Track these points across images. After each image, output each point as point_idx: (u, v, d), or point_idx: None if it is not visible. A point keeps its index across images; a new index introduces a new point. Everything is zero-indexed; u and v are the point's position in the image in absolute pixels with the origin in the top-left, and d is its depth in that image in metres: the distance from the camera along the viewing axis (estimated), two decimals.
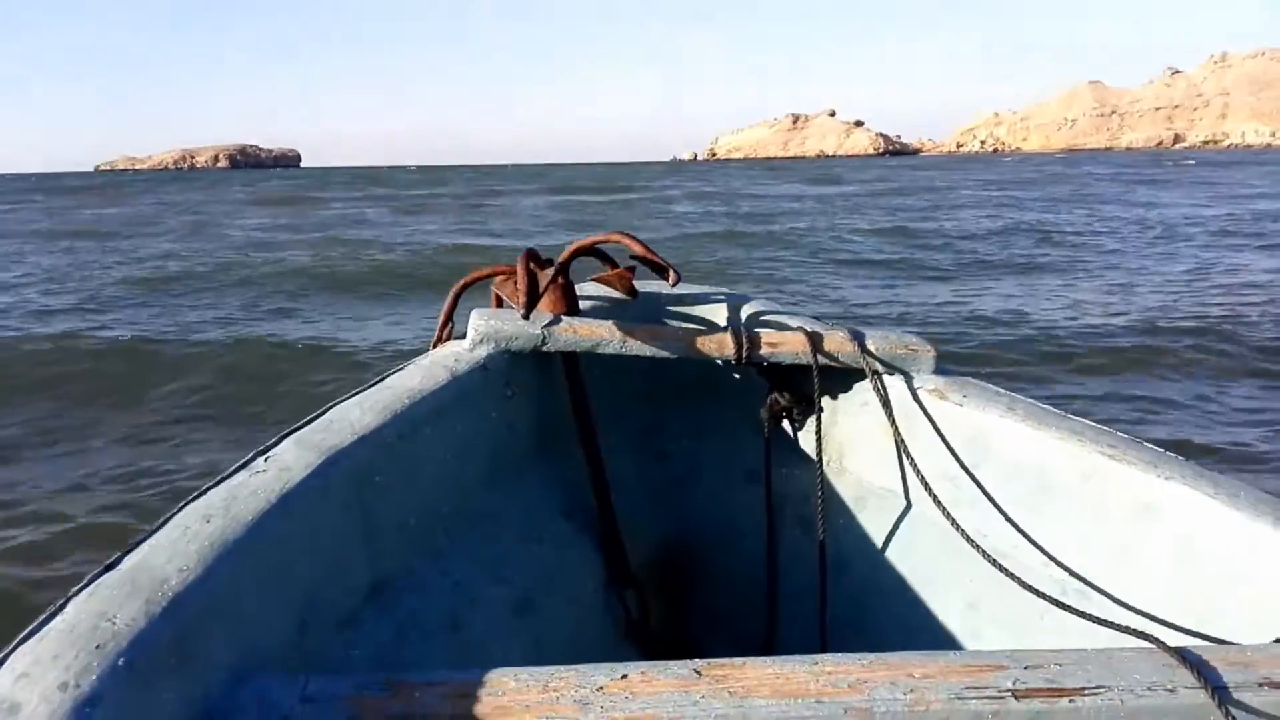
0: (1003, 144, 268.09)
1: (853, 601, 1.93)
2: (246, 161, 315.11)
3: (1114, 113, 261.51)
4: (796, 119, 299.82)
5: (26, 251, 17.43)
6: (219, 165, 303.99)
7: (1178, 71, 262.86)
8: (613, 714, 0.99)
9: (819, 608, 1.89)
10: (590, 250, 1.99)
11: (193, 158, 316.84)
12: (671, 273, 1.79)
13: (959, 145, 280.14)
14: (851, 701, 1.07)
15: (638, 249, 1.83)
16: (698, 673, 1.08)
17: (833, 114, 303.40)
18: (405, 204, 35.07)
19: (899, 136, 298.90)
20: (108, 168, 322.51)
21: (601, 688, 1.03)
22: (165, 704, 0.87)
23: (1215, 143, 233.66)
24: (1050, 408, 1.77)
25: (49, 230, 22.95)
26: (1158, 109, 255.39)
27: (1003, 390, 1.86)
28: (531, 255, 1.88)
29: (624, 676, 1.06)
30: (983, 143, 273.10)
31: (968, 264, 13.56)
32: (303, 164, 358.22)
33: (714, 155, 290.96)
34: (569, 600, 1.84)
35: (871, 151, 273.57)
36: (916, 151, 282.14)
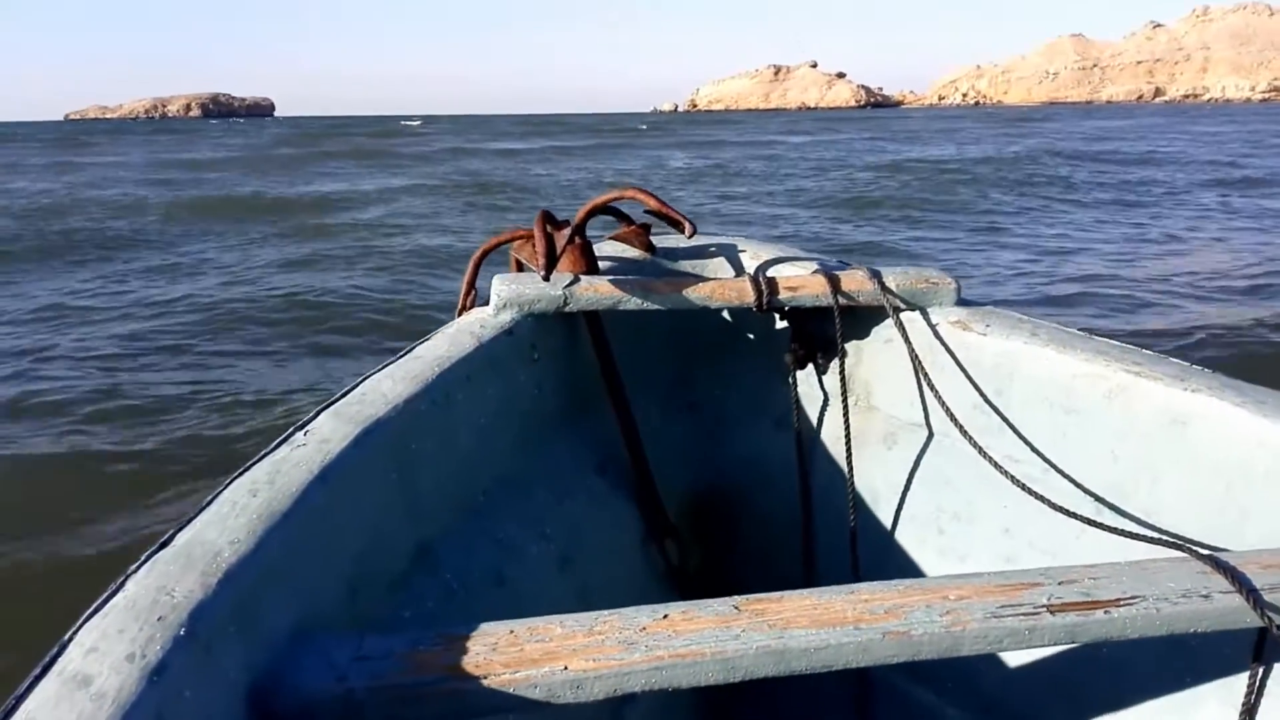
0: (984, 96, 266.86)
1: (887, 536, 1.97)
2: (219, 110, 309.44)
3: (1095, 66, 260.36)
4: (778, 70, 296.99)
5: None
6: (191, 114, 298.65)
7: (1159, 25, 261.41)
8: (657, 652, 1.03)
9: (851, 544, 1.93)
10: (605, 209, 2.00)
11: (164, 106, 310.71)
12: (687, 225, 1.80)
13: (940, 98, 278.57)
14: (889, 626, 1.10)
15: (652, 203, 1.85)
16: (737, 608, 1.11)
17: (814, 65, 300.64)
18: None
19: (880, 89, 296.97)
20: (78, 116, 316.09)
21: (644, 628, 1.07)
22: (227, 669, 0.92)
23: (1195, 96, 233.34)
24: (1075, 330, 1.79)
25: None
26: (1139, 62, 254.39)
27: (1026, 317, 1.87)
28: (547, 217, 1.88)
29: (665, 616, 1.09)
30: (964, 95, 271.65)
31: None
32: (276, 113, 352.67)
33: (695, 107, 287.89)
34: (609, 552, 1.89)
35: (853, 104, 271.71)
36: (898, 104, 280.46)
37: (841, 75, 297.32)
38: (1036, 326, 1.80)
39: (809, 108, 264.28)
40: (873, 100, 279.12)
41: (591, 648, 1.03)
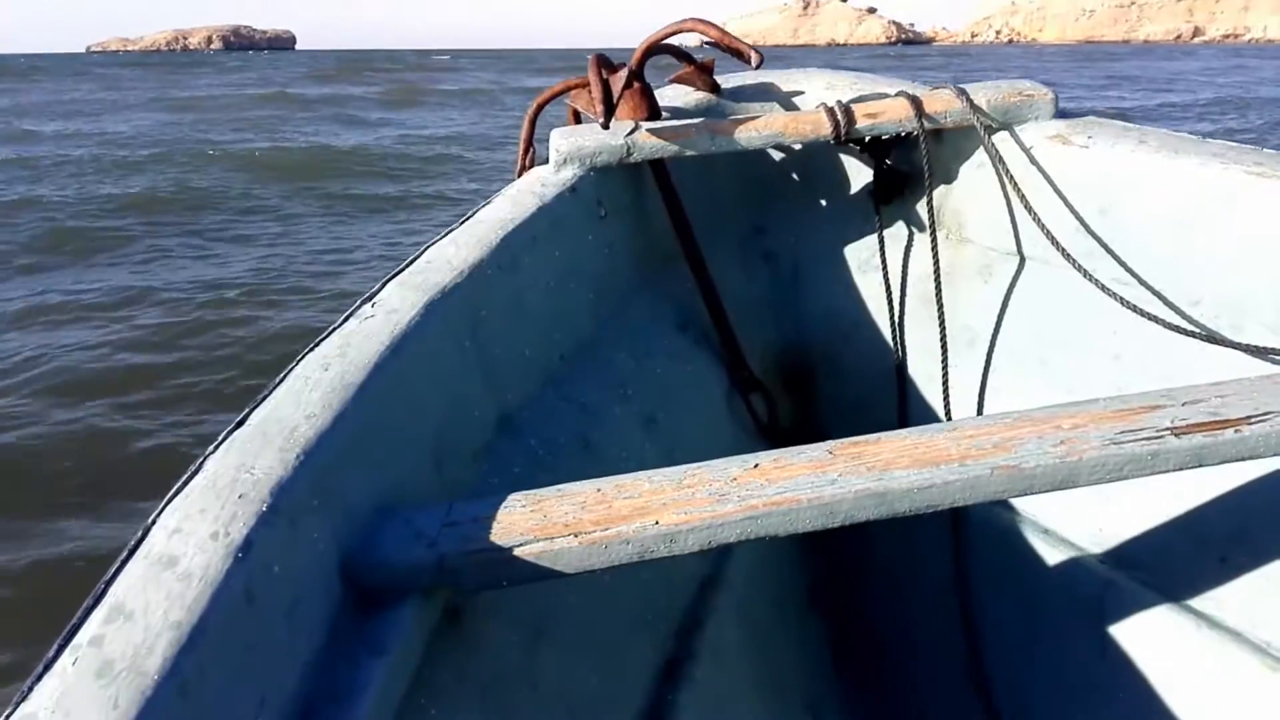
0: (1018, 34, 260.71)
1: (988, 375, 1.87)
2: (240, 43, 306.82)
3: (1133, 4, 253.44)
4: (807, 4, 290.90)
5: None
6: (212, 47, 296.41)
7: None
8: (750, 502, 1.00)
9: (947, 386, 1.84)
10: (663, 48, 1.88)
11: (185, 39, 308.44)
12: (753, 54, 1.68)
13: (973, 35, 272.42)
14: (998, 460, 1.04)
15: (713, 33, 1.73)
16: (831, 452, 1.07)
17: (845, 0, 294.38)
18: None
19: (912, 25, 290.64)
20: (99, 49, 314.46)
21: (735, 478, 1.03)
22: (313, 542, 0.91)
23: (1236, 36, 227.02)
24: (1187, 135, 1.65)
25: None
26: (1179, 0, 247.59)
27: (1133, 125, 1.73)
28: (602, 61, 1.75)
29: (756, 466, 1.05)
30: (998, 33, 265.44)
31: None
32: (298, 46, 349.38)
33: None
34: (694, 410, 1.83)
35: (884, 40, 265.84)
36: (930, 40, 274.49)
37: (872, 10, 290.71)
38: (1145, 134, 1.66)
39: (838, 44, 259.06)
40: (904, 37, 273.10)
41: (682, 501, 1.01)
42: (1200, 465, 1.08)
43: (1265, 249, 1.47)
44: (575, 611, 1.28)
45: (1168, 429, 1.07)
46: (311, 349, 1.13)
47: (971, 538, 1.84)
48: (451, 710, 1.01)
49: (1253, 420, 1.07)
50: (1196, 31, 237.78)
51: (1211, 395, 1.12)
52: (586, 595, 1.28)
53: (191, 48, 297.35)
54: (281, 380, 1.06)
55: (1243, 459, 1.08)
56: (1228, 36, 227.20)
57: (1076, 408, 1.13)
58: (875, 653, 2.03)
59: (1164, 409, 1.10)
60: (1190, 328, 1.44)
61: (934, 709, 1.91)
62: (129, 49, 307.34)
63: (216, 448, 0.93)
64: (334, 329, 1.18)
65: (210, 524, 0.82)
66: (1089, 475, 1.05)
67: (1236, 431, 1.06)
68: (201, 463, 0.91)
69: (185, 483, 0.88)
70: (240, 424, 0.97)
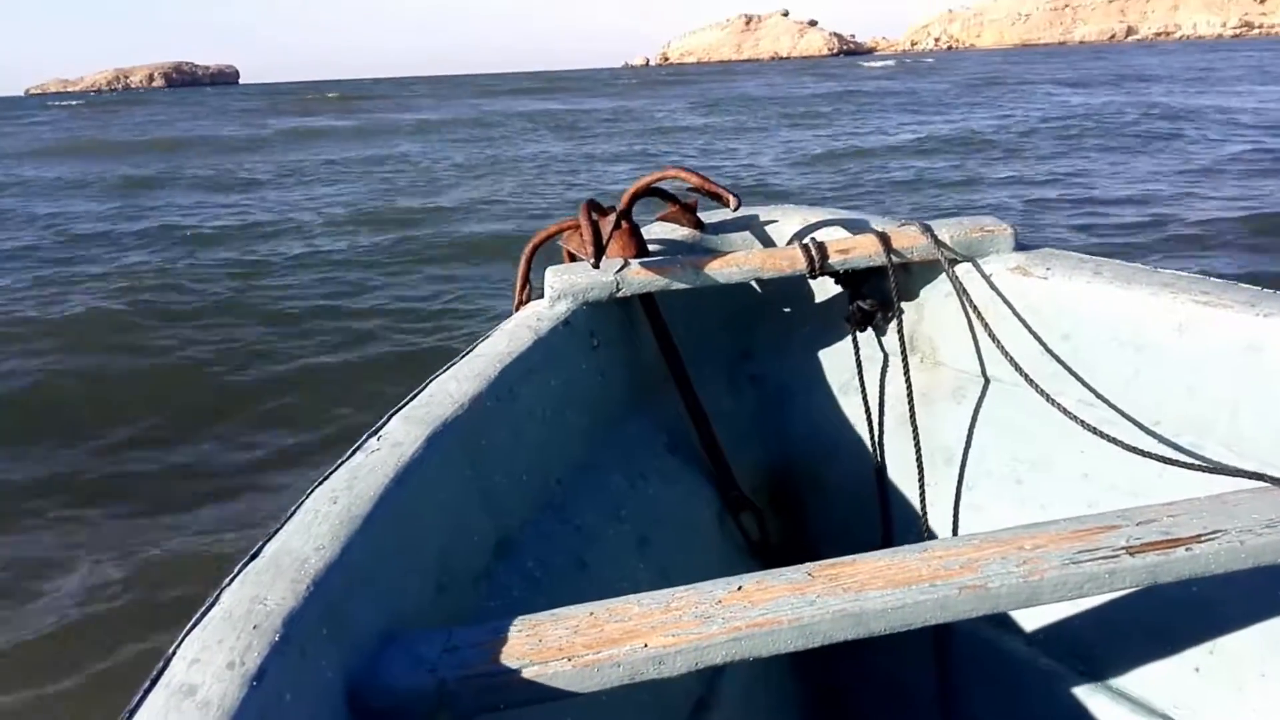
0: (956, 40, 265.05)
1: (964, 492, 1.94)
2: (182, 80, 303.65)
3: (1067, 6, 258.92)
4: (749, 20, 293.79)
5: None
6: (155, 84, 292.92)
7: None
8: (734, 624, 1.04)
9: (921, 504, 1.93)
10: (650, 191, 2.01)
11: (127, 78, 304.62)
12: (731, 199, 1.81)
13: (913, 43, 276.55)
14: (965, 580, 1.10)
15: (694, 180, 1.85)
16: (810, 575, 1.12)
17: (786, 14, 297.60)
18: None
19: (853, 36, 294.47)
20: (38, 91, 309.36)
21: (720, 600, 1.08)
22: (323, 671, 0.95)
23: (1168, 34, 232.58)
24: (1139, 265, 1.76)
25: None
26: (1111, 1, 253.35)
27: (1088, 256, 1.84)
28: (593, 205, 1.88)
29: (740, 588, 1.10)
30: (937, 40, 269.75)
31: None
32: (241, 80, 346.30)
33: (667, 60, 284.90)
34: (687, 530, 1.90)
35: (825, 52, 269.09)
36: (871, 50, 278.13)
37: (813, 23, 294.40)
38: (1099, 265, 1.77)
39: (781, 57, 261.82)
40: (845, 48, 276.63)
41: (669, 624, 1.05)
42: (1155, 582, 1.14)
43: (1215, 372, 1.55)
44: None
45: (1123, 548, 1.13)
46: (321, 483, 1.18)
47: (956, 653, 1.90)
48: None
49: (1202, 539, 1.14)
50: (1130, 30, 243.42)
51: (1164, 515, 1.19)
52: (583, 716, 1.30)
53: (133, 86, 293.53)
54: (293, 514, 1.11)
55: (1195, 575, 1.14)
56: (1159, 34, 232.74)
57: (1038, 529, 1.19)
58: None
59: (1120, 529, 1.17)
60: (1150, 449, 1.51)
61: None
62: (69, 89, 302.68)
63: (231, 580, 0.97)
64: (342, 463, 1.24)
65: (227, 653, 0.85)
66: (1051, 593, 1.11)
67: (1188, 550, 1.13)
68: (219, 595, 0.95)
69: (204, 614, 0.91)
70: (254, 556, 1.02)
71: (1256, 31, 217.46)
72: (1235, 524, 1.17)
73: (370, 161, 19.33)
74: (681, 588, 1.12)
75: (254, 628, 0.89)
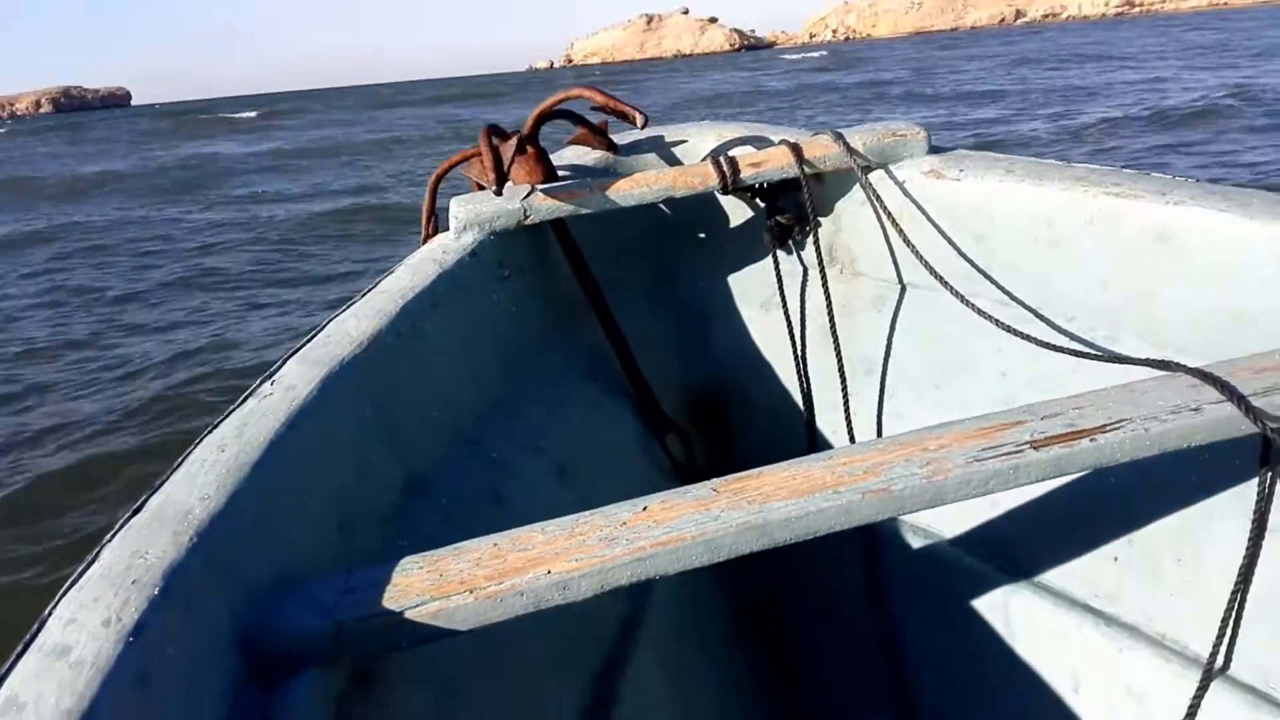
0: (853, 31, 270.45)
1: (886, 400, 1.95)
2: (71, 104, 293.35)
3: None
4: (650, 19, 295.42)
5: None
6: (42, 110, 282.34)
7: None
8: (638, 544, 1.03)
9: (845, 415, 1.92)
10: (555, 114, 1.95)
11: (11, 104, 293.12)
12: (637, 115, 1.75)
13: (811, 36, 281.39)
14: (868, 485, 1.09)
15: (598, 99, 1.81)
16: (715, 490, 1.11)
17: (686, 12, 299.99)
18: None
19: (753, 31, 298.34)
20: None
21: (625, 522, 1.07)
22: (209, 621, 0.92)
23: (1055, 16, 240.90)
24: (1052, 161, 1.74)
25: None
26: None
27: (1001, 155, 1.82)
28: (493, 130, 1.83)
29: (645, 509, 1.09)
30: (834, 32, 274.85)
31: None
32: (133, 102, 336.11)
33: (570, 61, 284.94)
34: (610, 455, 1.87)
35: (728, 48, 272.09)
36: (771, 45, 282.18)
37: (714, 20, 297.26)
38: (1012, 163, 1.76)
39: (684, 54, 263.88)
40: (746, 43, 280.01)
41: (573, 549, 1.03)
42: (1060, 474, 1.14)
43: (1128, 263, 1.56)
44: (492, 665, 1.27)
45: (1027, 443, 1.13)
46: (209, 431, 1.13)
47: (883, 558, 1.91)
48: None
49: (1107, 429, 1.13)
50: (1019, 14, 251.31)
51: (1069, 408, 1.18)
52: (503, 648, 1.27)
53: (20, 114, 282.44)
54: (179, 465, 1.06)
55: (1101, 465, 1.14)
56: (1047, 16, 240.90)
57: (943, 429, 1.18)
58: (798, 681, 2.08)
59: (1025, 424, 1.16)
60: (1065, 344, 1.51)
61: None
62: None
63: (112, 537, 0.94)
64: (232, 410, 1.18)
65: (103, 612, 0.83)
66: (955, 492, 1.11)
67: (1092, 440, 1.12)
68: (98, 552, 0.91)
69: (82, 573, 0.89)
70: (137, 511, 0.98)
71: (1137, 10, 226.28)
72: (1140, 412, 1.15)
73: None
74: (588, 512, 1.10)
75: (133, 583, 0.86)
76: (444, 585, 0.99)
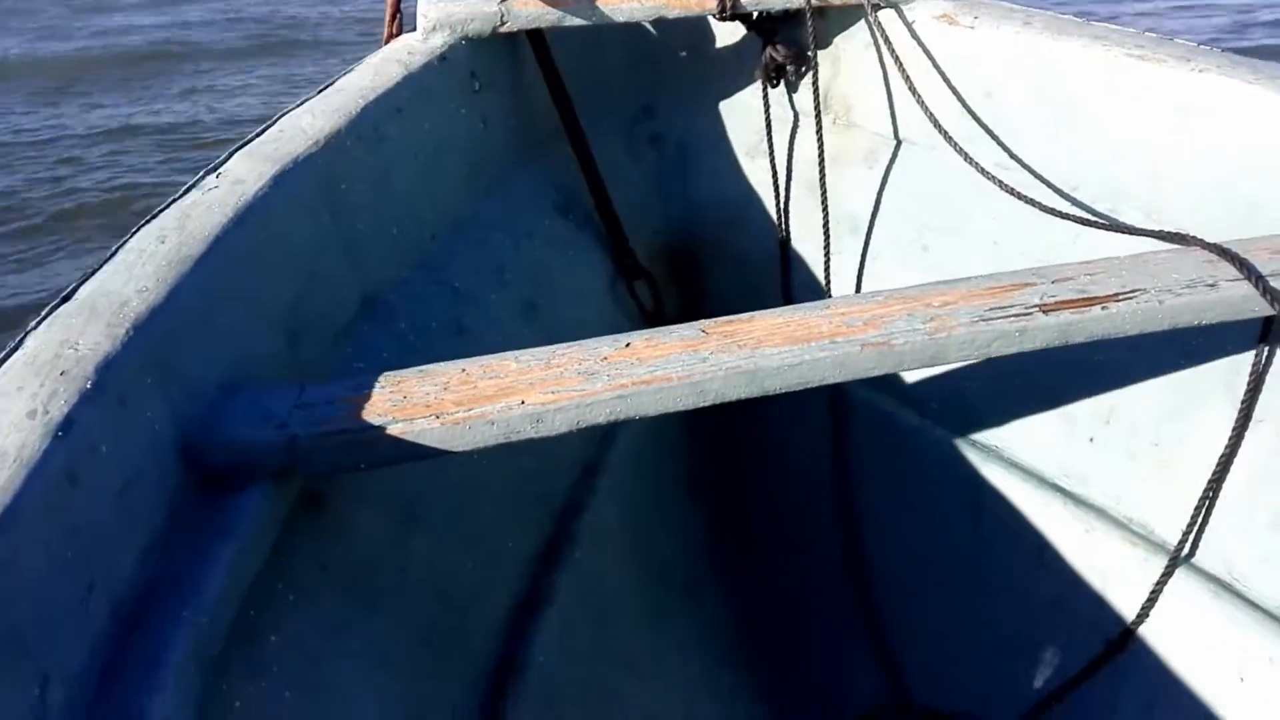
0: None
1: (871, 260, 1.87)
2: None
3: None
4: None
5: None
6: None
7: None
8: (620, 380, 0.98)
9: (825, 273, 1.85)
10: None
11: None
12: None
13: None
14: (868, 337, 1.04)
15: None
16: (704, 331, 1.06)
17: None
18: None
19: None
20: None
21: (606, 357, 1.02)
22: (148, 421, 0.87)
23: None
24: (1072, 17, 1.65)
25: None
26: None
27: (1019, 6, 1.71)
28: None
29: (628, 345, 1.04)
30: None
31: None
32: None
33: None
34: (577, 296, 1.78)
35: None
36: None
37: None
38: (1030, 15, 1.67)
39: None
40: None
41: (550, 380, 0.98)
42: (1067, 342, 1.09)
43: (1142, 133, 1.48)
44: (449, 497, 1.23)
45: (1036, 305, 1.08)
46: (147, 222, 1.04)
47: (849, 422, 1.86)
48: (311, 597, 0.98)
49: (1119, 297, 1.09)
50: None
51: (1080, 274, 1.14)
52: (461, 481, 1.23)
53: None
54: (114, 254, 0.99)
55: (1108, 335, 1.10)
56: None
57: (949, 285, 1.13)
58: (754, 538, 2.06)
59: (1034, 286, 1.11)
60: (1069, 211, 1.45)
61: (811, 592, 1.95)
62: None
63: (39, 323, 0.88)
64: (173, 201, 1.09)
65: (28, 402, 0.77)
66: (957, 352, 1.06)
67: (1104, 308, 1.08)
68: (22, 339, 0.85)
69: (3, 360, 0.83)
70: (66, 299, 0.92)
71: None
72: (1155, 283, 1.11)
73: None
74: (564, 344, 1.04)
75: (61, 374, 0.80)
76: (408, 407, 0.94)
